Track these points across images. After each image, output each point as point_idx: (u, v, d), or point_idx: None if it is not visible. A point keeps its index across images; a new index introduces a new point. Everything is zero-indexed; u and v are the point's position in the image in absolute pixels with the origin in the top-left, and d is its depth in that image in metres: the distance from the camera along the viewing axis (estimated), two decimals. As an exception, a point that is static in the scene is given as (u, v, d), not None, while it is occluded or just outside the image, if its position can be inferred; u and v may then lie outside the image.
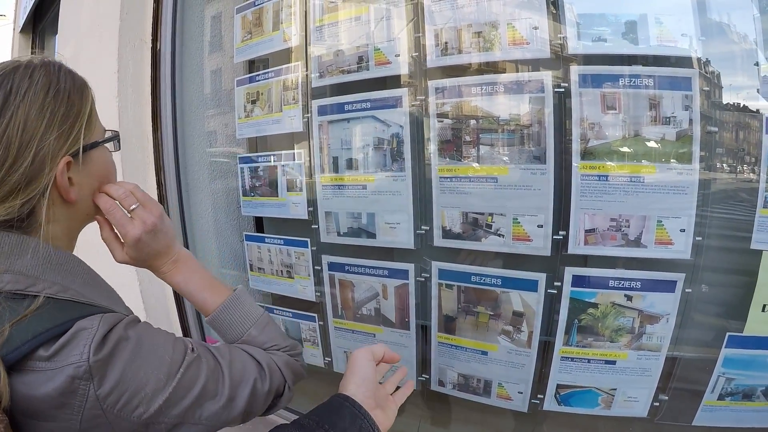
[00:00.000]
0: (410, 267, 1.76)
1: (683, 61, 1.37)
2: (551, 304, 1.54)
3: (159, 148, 2.42)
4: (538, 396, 1.63)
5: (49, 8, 4.90)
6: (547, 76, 1.45)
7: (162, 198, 2.44)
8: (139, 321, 0.90)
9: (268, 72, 2.07)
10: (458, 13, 1.56)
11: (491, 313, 1.64)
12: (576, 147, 1.42)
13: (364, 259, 1.87)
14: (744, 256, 1.35)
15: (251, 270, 2.29)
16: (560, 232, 1.48)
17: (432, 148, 1.63)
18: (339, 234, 1.90)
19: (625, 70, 1.39)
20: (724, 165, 1.40)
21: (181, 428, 0.87)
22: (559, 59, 1.45)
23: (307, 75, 1.93)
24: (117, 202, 1.05)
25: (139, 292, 2.49)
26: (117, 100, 2.34)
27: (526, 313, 1.57)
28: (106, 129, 1.06)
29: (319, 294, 2.05)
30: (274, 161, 2.08)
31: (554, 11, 1.44)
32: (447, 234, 1.65)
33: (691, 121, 1.34)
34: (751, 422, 1.45)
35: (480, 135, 1.55)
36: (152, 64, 2.40)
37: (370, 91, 1.75)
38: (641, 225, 1.40)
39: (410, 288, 1.78)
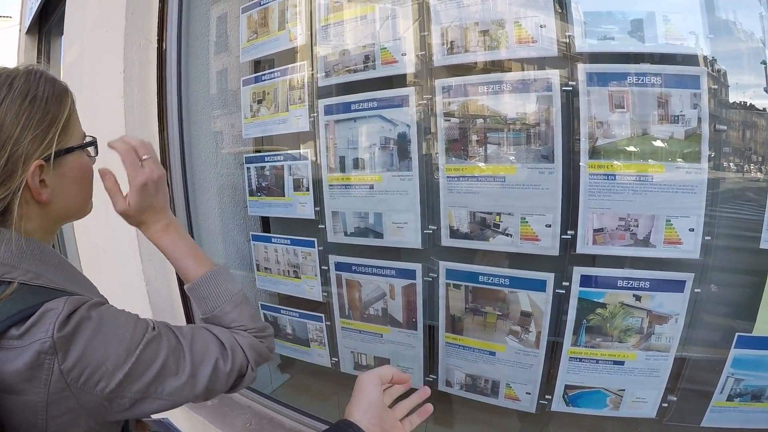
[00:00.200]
0: (418, 267, 1.76)
1: (691, 59, 1.36)
2: (559, 304, 1.54)
3: (165, 149, 2.43)
4: (546, 397, 1.63)
5: (54, 9, 4.91)
6: (554, 75, 1.44)
7: (168, 198, 2.43)
8: (103, 303, 0.95)
9: (274, 71, 2.07)
10: (464, 11, 1.56)
11: (499, 313, 1.63)
12: (584, 146, 1.41)
13: (371, 259, 1.87)
14: (753, 256, 1.35)
15: (258, 270, 2.30)
16: (568, 232, 1.47)
17: (439, 147, 1.62)
18: (346, 234, 1.90)
19: (633, 68, 1.38)
20: (732, 164, 1.39)
21: (144, 403, 0.93)
22: (566, 58, 1.44)
23: (313, 74, 1.93)
24: (134, 149, 1.15)
25: (145, 292, 2.50)
26: (123, 100, 2.34)
27: (534, 313, 1.57)
28: (87, 135, 1.11)
29: (326, 294, 2.05)
30: (280, 161, 2.08)
31: (560, 10, 1.44)
32: (454, 234, 1.65)
33: (699, 119, 1.33)
34: (760, 423, 1.44)
35: (487, 134, 1.54)
36: (158, 64, 2.41)
37: (375, 91, 1.75)
38: (650, 224, 1.39)
39: (418, 288, 1.77)
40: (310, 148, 1.98)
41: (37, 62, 5.37)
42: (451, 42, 1.58)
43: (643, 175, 1.38)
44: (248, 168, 2.21)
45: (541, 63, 1.50)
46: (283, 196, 2.08)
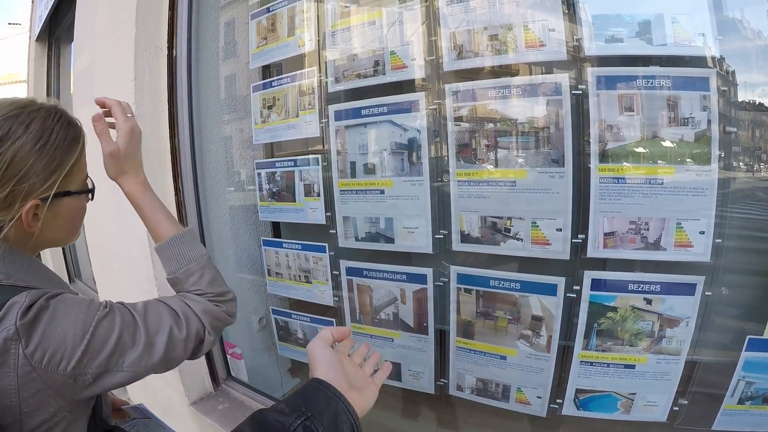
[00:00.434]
0: (429, 271, 1.76)
1: (700, 61, 1.36)
2: (570, 308, 1.54)
3: (176, 155, 2.44)
4: (557, 400, 1.63)
5: (64, 16, 4.93)
6: (564, 78, 1.45)
7: (180, 204, 2.46)
8: (61, 294, 1.01)
9: (284, 77, 2.08)
10: (473, 16, 1.56)
11: (510, 318, 1.63)
12: (594, 149, 1.42)
13: (382, 263, 1.87)
14: (763, 257, 1.35)
15: (269, 275, 2.31)
16: (579, 236, 1.48)
17: (449, 151, 1.63)
18: (357, 239, 1.90)
19: (643, 71, 1.38)
20: (741, 164, 1.39)
21: (106, 376, 1.00)
22: (576, 61, 1.44)
23: (321, 79, 1.94)
24: (121, 105, 1.30)
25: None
26: (133, 107, 2.34)
27: (545, 317, 1.57)
28: (88, 176, 1.21)
29: (337, 299, 2.06)
30: (291, 166, 2.09)
31: (566, 11, 1.44)
32: (465, 238, 1.65)
33: (709, 121, 1.33)
34: (772, 427, 1.44)
35: (498, 138, 1.55)
36: (168, 71, 2.42)
37: (384, 96, 1.76)
38: (660, 227, 1.39)
39: (429, 292, 1.78)
40: (320, 154, 1.98)
41: (47, 69, 5.42)
42: (460, 46, 1.59)
43: (654, 177, 1.38)
44: (259, 173, 2.22)
45: (548, 66, 1.51)
46: (294, 201, 2.09)
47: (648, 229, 1.40)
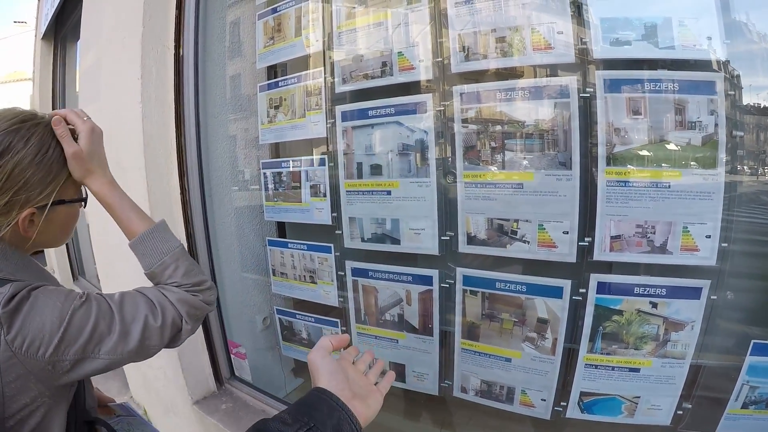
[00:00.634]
0: (434, 273, 1.76)
1: (707, 64, 1.36)
2: (576, 310, 1.54)
3: (182, 154, 2.45)
4: (561, 403, 1.63)
5: (70, 15, 4.94)
6: (572, 81, 1.44)
7: (185, 203, 2.47)
8: (42, 286, 1.07)
9: (290, 78, 2.08)
10: (481, 18, 1.56)
11: (515, 320, 1.63)
12: (601, 152, 1.42)
13: (387, 264, 1.87)
14: (768, 262, 1.35)
15: (274, 275, 2.31)
16: (586, 239, 1.47)
17: (456, 153, 1.63)
18: (363, 240, 1.90)
19: (650, 74, 1.38)
20: (747, 167, 1.39)
21: (84, 363, 1.06)
22: (583, 63, 1.44)
23: (327, 79, 1.94)
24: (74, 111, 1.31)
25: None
26: (140, 106, 2.36)
27: (551, 319, 1.57)
28: (82, 185, 1.29)
29: (342, 299, 2.06)
30: (297, 167, 2.09)
31: (573, 14, 1.44)
32: (472, 240, 1.65)
33: (716, 125, 1.33)
34: (775, 431, 1.44)
35: (505, 140, 1.55)
36: (175, 70, 2.43)
37: (391, 97, 1.76)
38: (667, 231, 1.39)
39: (434, 294, 1.78)
40: (327, 154, 1.98)
41: (53, 68, 5.43)
42: (468, 48, 1.59)
43: (660, 181, 1.38)
44: (265, 173, 2.23)
45: (554, 68, 1.51)
46: (300, 201, 2.09)
47: (654, 233, 1.40)
